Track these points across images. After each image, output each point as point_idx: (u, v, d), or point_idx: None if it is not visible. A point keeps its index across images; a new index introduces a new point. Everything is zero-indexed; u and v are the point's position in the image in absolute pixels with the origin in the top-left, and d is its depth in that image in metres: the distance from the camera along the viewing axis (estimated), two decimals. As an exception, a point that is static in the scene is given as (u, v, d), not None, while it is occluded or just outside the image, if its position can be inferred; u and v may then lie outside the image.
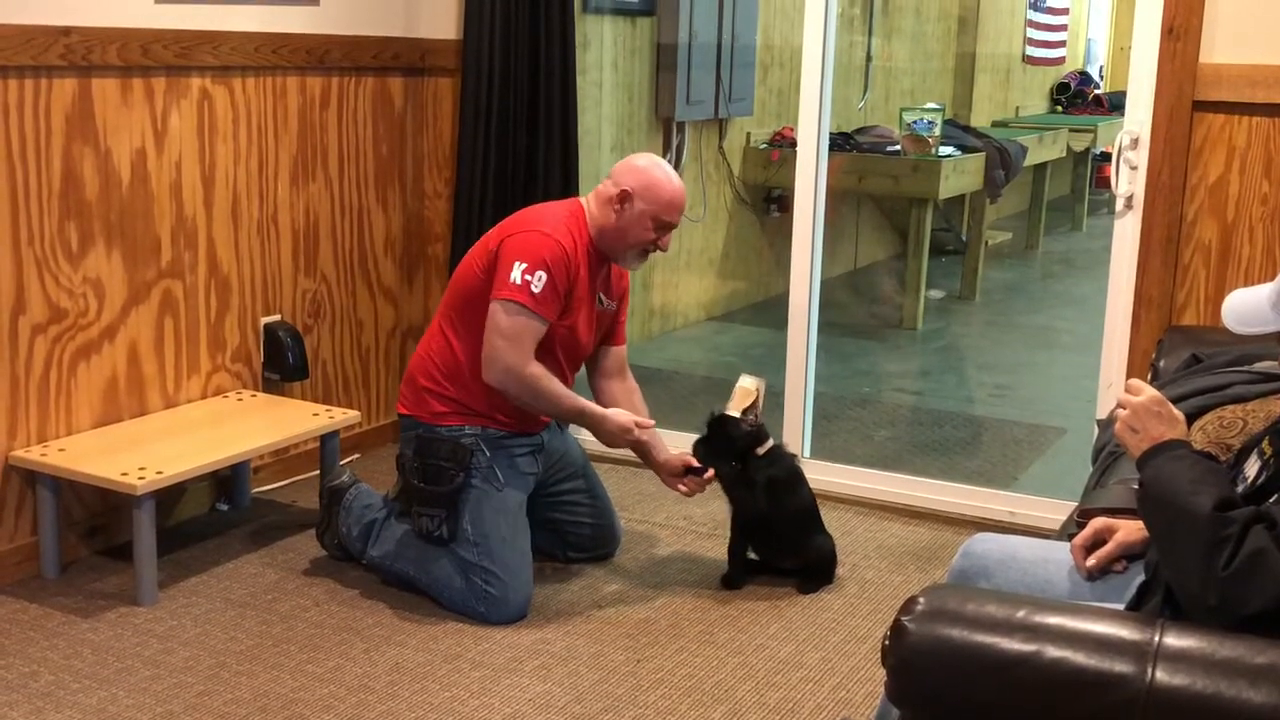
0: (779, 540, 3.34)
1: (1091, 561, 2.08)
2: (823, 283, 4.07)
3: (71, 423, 3.34)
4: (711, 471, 3.25)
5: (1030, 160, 7.15)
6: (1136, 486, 1.89)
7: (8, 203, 3.12)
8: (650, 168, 3.18)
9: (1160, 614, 1.77)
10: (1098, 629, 1.63)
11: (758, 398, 3.25)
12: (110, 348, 3.41)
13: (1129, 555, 2.08)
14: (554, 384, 3.11)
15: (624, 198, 3.13)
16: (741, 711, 2.74)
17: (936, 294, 6.70)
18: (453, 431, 3.17)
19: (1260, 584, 1.62)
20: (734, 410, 3.24)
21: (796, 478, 3.33)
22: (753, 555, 3.37)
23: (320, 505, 3.43)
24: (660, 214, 3.15)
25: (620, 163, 3.23)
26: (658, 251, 3.24)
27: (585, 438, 3.95)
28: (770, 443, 3.29)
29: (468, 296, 3.16)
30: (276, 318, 3.88)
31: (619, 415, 3.20)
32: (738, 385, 3.29)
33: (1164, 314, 3.37)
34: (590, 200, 3.21)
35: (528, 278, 3.01)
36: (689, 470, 3.27)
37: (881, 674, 1.72)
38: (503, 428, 3.19)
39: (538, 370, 3.08)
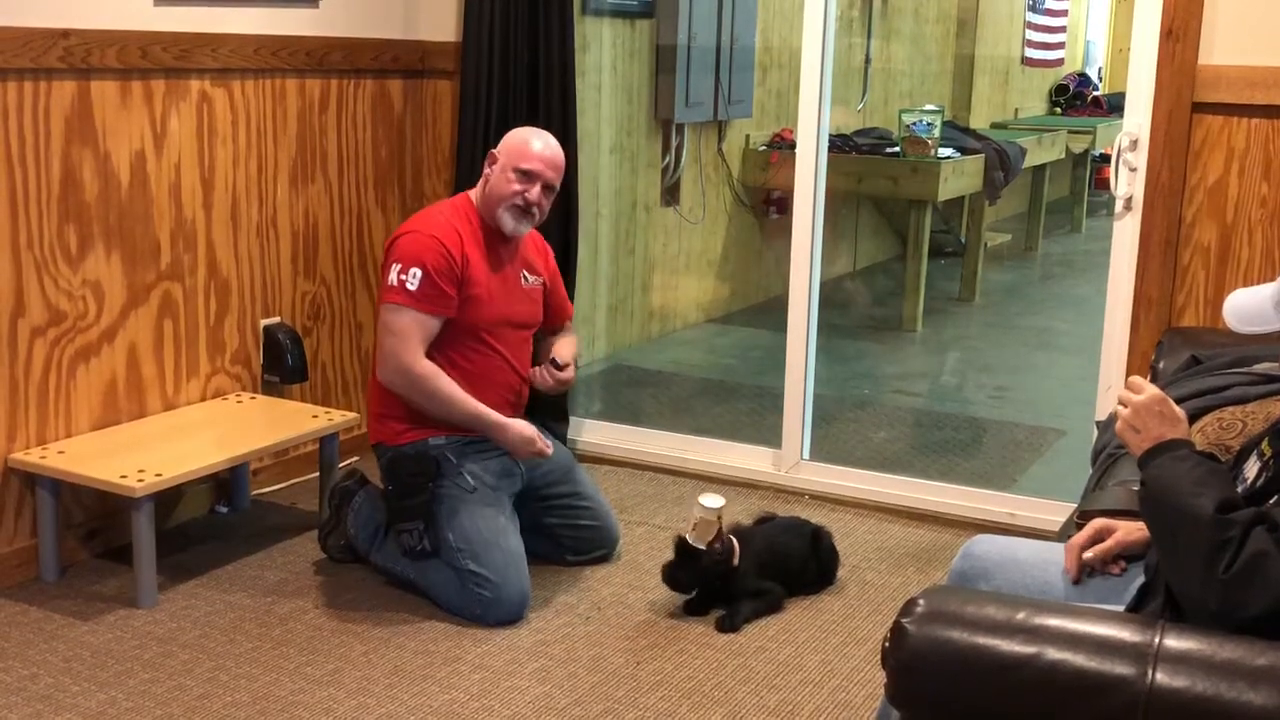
0: (794, 583, 3.31)
1: (1088, 555, 2.08)
2: (822, 284, 4.07)
3: (71, 425, 3.33)
4: (571, 373, 3.38)
5: (1029, 162, 7.15)
6: (1137, 488, 1.89)
7: (7, 205, 3.11)
8: (517, 130, 3.35)
9: (1160, 616, 1.77)
10: (1098, 631, 1.63)
11: (720, 523, 3.11)
12: (109, 350, 3.41)
13: (1128, 556, 2.08)
14: (446, 385, 3.15)
15: (490, 160, 3.28)
16: (741, 714, 2.74)
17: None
18: (417, 446, 3.20)
19: (1261, 586, 1.62)
20: (699, 542, 3.09)
21: (777, 554, 3.26)
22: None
23: (329, 507, 3.43)
24: (517, 162, 3.23)
25: None
26: (536, 211, 3.26)
27: (583, 440, 3.95)
28: (736, 550, 3.16)
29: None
30: (276, 320, 3.88)
31: (520, 425, 3.19)
32: (699, 514, 3.08)
33: (1163, 315, 3.37)
34: (478, 186, 3.33)
35: (403, 277, 3.11)
36: (553, 364, 3.37)
37: (881, 676, 1.71)
38: (468, 434, 3.20)
39: (428, 369, 3.14)
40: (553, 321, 3.50)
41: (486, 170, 3.30)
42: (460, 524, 3.13)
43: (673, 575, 3.15)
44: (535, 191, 3.24)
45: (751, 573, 3.18)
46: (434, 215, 3.27)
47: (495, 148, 3.34)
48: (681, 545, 3.12)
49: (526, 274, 3.36)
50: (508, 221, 3.26)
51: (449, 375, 3.17)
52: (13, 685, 2.77)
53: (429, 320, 3.14)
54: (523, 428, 3.20)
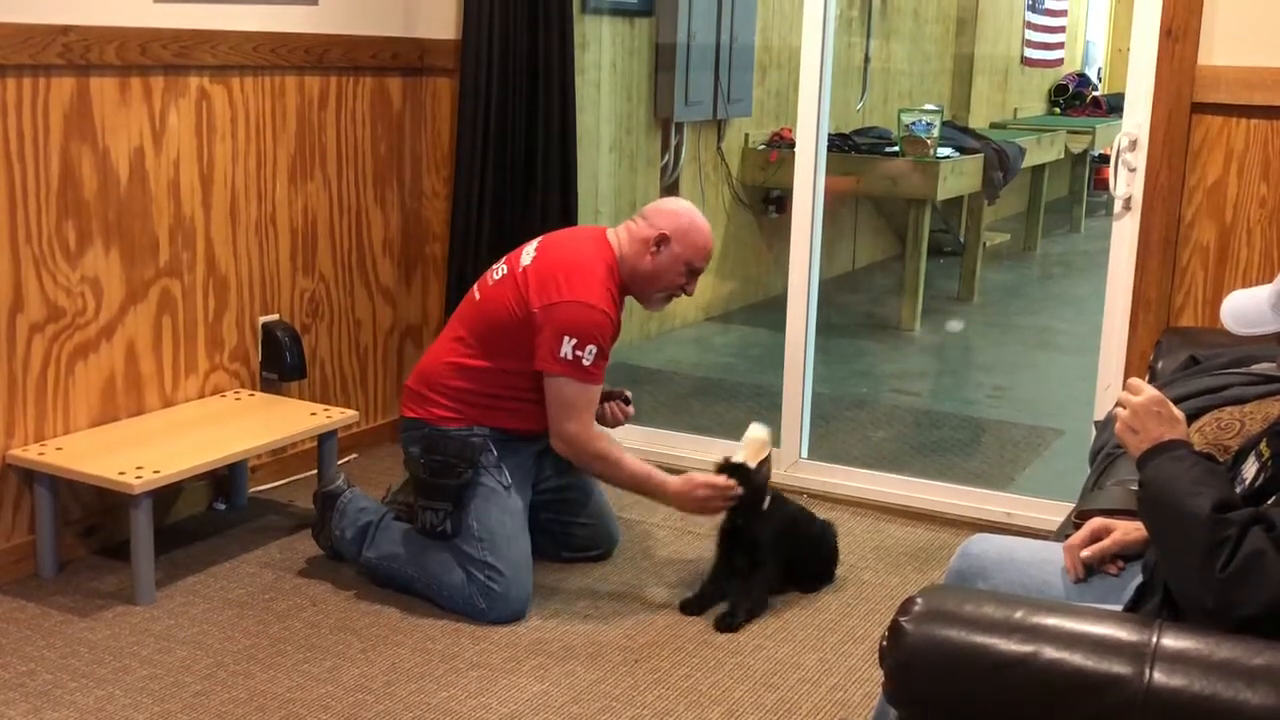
0: (796, 573, 3.32)
1: (1086, 553, 2.08)
2: (821, 283, 4.07)
3: (69, 422, 3.33)
4: (630, 409, 3.43)
5: (1028, 162, 7.15)
6: (1135, 488, 1.89)
7: (5, 201, 3.11)
8: (688, 212, 3.24)
9: (1158, 615, 1.78)
10: (1095, 630, 1.63)
11: (769, 449, 3.18)
12: (108, 347, 3.40)
13: (1126, 556, 2.08)
14: (615, 451, 3.17)
15: (661, 240, 3.18)
16: (739, 712, 2.74)
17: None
18: (461, 431, 3.18)
19: (1258, 586, 1.62)
20: (750, 460, 3.13)
21: (792, 523, 3.29)
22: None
23: (315, 510, 3.43)
24: (694, 259, 3.21)
25: (654, 204, 3.29)
26: (682, 295, 3.29)
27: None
28: (768, 497, 3.20)
29: (494, 325, 3.18)
30: (274, 317, 3.88)
31: (678, 481, 3.16)
32: (749, 435, 3.17)
33: (1162, 315, 3.37)
34: (622, 238, 3.22)
35: (578, 353, 3.07)
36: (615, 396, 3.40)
37: (879, 675, 1.72)
38: (511, 430, 3.20)
39: (602, 443, 3.15)
40: None
41: (651, 246, 3.17)
42: (489, 515, 3.14)
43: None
44: (695, 285, 3.27)
45: (770, 540, 3.18)
46: (593, 280, 3.12)
47: (653, 216, 3.21)
48: (728, 464, 3.13)
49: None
50: (658, 301, 3.31)
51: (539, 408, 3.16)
52: (10, 681, 2.77)
53: (597, 388, 3.17)
54: (681, 481, 3.16)
